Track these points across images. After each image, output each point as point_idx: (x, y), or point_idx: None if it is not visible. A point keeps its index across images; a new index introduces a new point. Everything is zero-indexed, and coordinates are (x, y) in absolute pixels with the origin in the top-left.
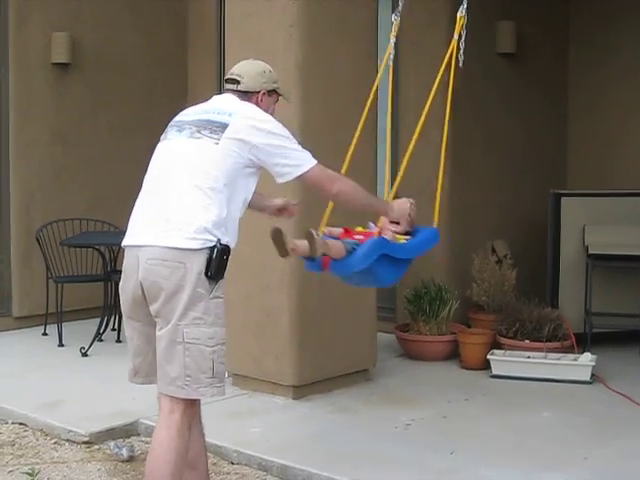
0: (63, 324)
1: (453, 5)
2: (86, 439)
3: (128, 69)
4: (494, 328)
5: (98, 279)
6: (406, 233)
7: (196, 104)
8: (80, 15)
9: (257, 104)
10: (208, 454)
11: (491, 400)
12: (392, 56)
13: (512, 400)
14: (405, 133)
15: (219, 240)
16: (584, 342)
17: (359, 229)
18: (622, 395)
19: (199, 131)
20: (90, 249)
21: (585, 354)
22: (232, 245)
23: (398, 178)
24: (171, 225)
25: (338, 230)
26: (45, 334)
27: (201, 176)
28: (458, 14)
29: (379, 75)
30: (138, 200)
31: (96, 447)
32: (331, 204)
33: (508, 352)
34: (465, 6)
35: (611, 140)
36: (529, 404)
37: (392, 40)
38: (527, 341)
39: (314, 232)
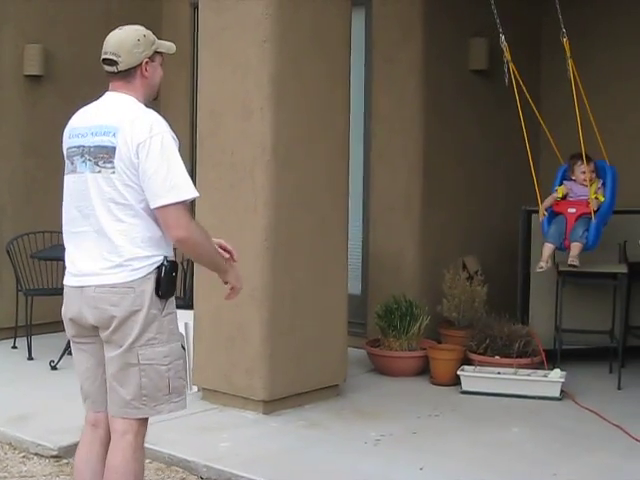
0: (33, 337)
1: (426, 21)
2: (55, 453)
3: (101, 81)
4: (464, 344)
5: None
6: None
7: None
8: (54, 27)
9: (142, 76)
10: (177, 468)
11: (461, 416)
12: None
13: (482, 416)
14: (377, 146)
15: (165, 257)
16: (554, 358)
17: (560, 193)
18: (591, 411)
19: (97, 163)
20: (61, 262)
21: (555, 370)
22: (172, 252)
23: None
24: (113, 264)
25: (551, 200)
26: (14, 347)
27: (117, 208)
28: (564, 39)
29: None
30: (67, 240)
31: (65, 461)
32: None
33: (478, 368)
34: (564, 30)
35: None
36: (499, 420)
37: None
38: (497, 357)
39: (572, 262)
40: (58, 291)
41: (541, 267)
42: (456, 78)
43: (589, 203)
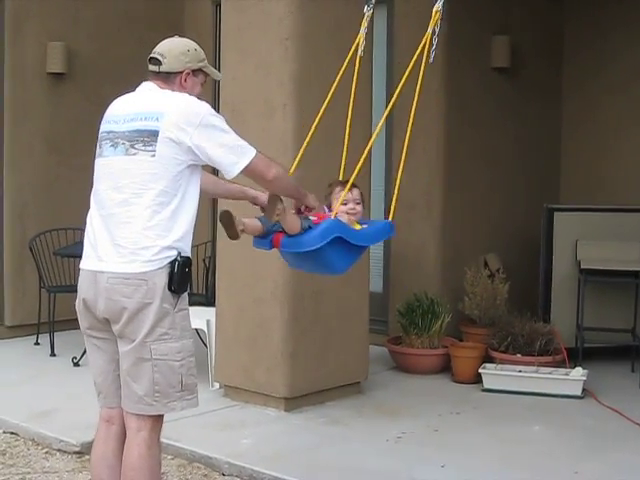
0: (55, 334)
1: (448, 19)
2: (77, 449)
3: (123, 79)
4: (486, 342)
5: None
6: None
7: (123, 95)
8: (76, 25)
9: (180, 85)
10: (199, 465)
11: (482, 414)
12: (362, 48)
13: (503, 414)
14: (398, 144)
15: (179, 253)
16: (576, 357)
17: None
18: (613, 410)
19: (133, 146)
20: None
21: (576, 369)
22: (188, 249)
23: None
24: (127, 251)
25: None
26: (37, 344)
27: (147, 194)
28: (434, 8)
29: (346, 64)
30: (90, 222)
31: (87, 457)
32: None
33: (500, 366)
34: (442, 1)
35: (604, 154)
36: (520, 418)
37: (362, 31)
38: (519, 355)
39: (277, 197)
40: None
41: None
42: (478, 76)
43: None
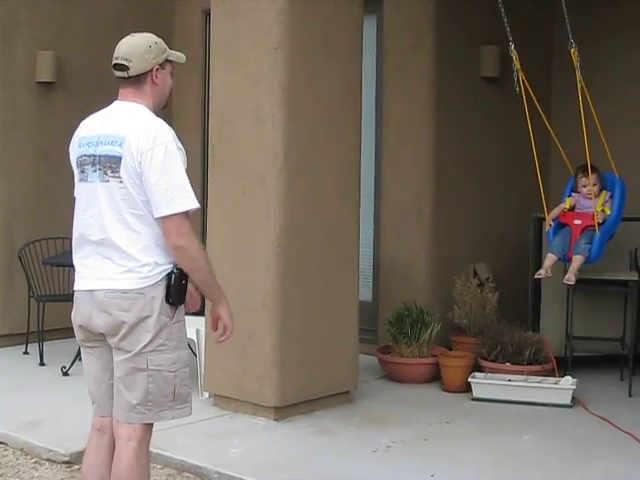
0: (44, 343)
1: (437, 28)
2: (66, 459)
3: (113, 88)
4: (475, 351)
5: None
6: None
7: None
8: (66, 34)
9: (152, 82)
10: (188, 474)
11: (472, 423)
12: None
13: (493, 423)
14: (388, 153)
15: (175, 265)
16: (565, 366)
17: (567, 204)
18: (602, 419)
19: (105, 172)
20: (72, 268)
21: (566, 377)
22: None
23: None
24: (124, 269)
25: (558, 211)
26: (26, 353)
27: (127, 217)
28: (572, 50)
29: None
30: (78, 247)
31: (76, 467)
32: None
33: (489, 375)
34: (572, 41)
35: (593, 163)
36: (510, 427)
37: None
38: (508, 364)
39: (567, 280)
40: (70, 297)
41: (539, 274)
42: (467, 85)
43: (595, 215)
